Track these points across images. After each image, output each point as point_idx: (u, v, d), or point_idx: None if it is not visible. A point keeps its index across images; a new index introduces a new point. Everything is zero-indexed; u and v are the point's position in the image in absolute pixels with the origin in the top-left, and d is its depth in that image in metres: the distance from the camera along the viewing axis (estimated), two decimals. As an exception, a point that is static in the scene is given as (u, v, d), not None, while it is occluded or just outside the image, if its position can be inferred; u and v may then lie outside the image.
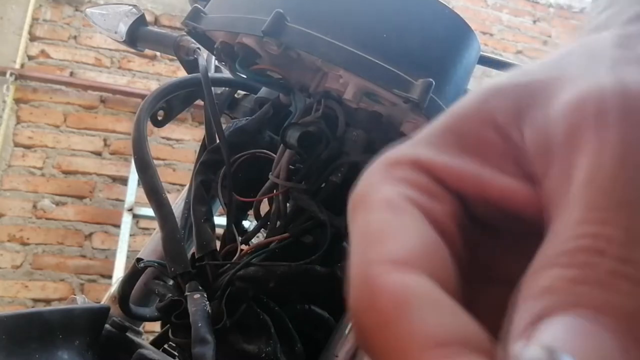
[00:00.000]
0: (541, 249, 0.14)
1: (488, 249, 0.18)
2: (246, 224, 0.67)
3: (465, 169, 0.17)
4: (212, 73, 0.71)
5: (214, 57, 0.71)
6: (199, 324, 0.49)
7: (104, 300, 0.68)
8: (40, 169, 2.61)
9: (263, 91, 0.68)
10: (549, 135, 0.15)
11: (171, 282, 0.56)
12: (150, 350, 0.57)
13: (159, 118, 0.67)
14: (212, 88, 0.64)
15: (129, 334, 0.59)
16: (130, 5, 0.76)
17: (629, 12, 0.20)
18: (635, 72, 0.15)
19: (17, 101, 2.64)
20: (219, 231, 0.60)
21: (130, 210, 2.56)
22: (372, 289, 0.14)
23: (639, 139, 0.14)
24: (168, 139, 2.76)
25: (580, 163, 0.14)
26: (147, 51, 0.85)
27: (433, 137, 0.18)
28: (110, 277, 2.49)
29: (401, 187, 0.16)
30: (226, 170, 0.60)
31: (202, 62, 0.67)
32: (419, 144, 0.18)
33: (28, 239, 2.52)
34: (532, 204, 0.16)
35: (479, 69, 0.61)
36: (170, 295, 0.54)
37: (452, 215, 0.17)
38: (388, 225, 0.15)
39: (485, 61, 0.67)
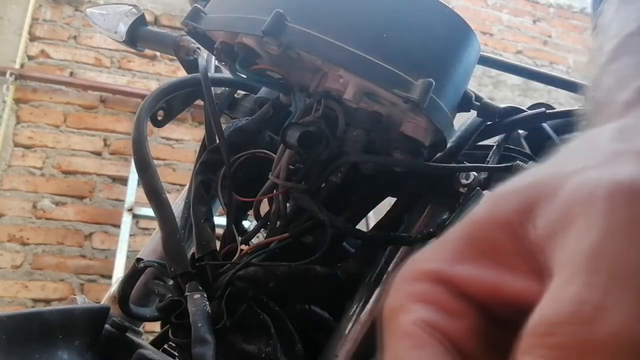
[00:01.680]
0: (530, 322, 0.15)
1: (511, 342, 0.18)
2: (246, 224, 0.67)
3: (481, 277, 0.18)
4: (212, 73, 0.71)
5: (214, 57, 0.71)
6: (199, 324, 0.49)
7: (104, 300, 0.68)
8: (40, 169, 2.61)
9: (263, 91, 0.68)
10: (553, 221, 0.17)
11: (171, 282, 0.56)
12: (150, 351, 0.57)
13: (159, 118, 0.67)
14: (212, 88, 0.64)
15: (129, 334, 0.59)
16: (130, 5, 0.76)
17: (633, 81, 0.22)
18: (625, 165, 0.17)
19: (17, 101, 2.64)
20: (219, 231, 0.60)
21: (130, 210, 2.56)
22: None
23: (622, 216, 0.15)
24: (168, 139, 2.76)
25: (572, 234, 0.16)
26: (147, 51, 0.85)
27: (449, 245, 0.19)
28: (110, 277, 2.49)
29: (421, 309, 0.18)
30: (226, 170, 0.60)
31: (202, 62, 0.67)
32: (438, 255, 0.19)
33: (28, 239, 2.52)
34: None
35: (479, 68, 0.61)
36: (170, 295, 0.54)
37: (470, 327, 0.18)
38: None
39: (485, 61, 0.67)
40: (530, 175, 0.19)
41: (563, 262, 0.15)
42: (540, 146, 0.62)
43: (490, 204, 0.19)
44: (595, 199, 0.16)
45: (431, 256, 0.19)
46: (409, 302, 0.18)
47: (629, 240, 0.15)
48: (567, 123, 0.62)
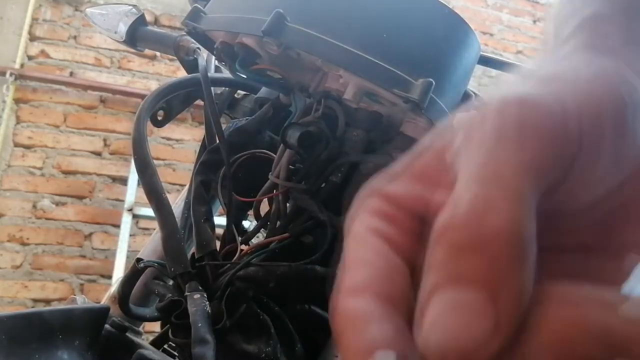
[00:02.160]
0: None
1: None
2: (246, 224, 0.67)
3: (414, 193, 0.21)
4: (212, 73, 0.71)
5: (214, 57, 0.71)
6: (199, 324, 0.49)
7: (104, 300, 0.68)
8: (40, 169, 2.61)
9: (263, 91, 0.68)
10: (461, 141, 0.20)
11: (171, 282, 0.56)
12: (150, 351, 0.56)
13: (159, 118, 0.67)
14: (212, 88, 0.64)
15: (129, 334, 0.59)
16: (130, 5, 0.76)
17: (573, 21, 0.25)
18: (523, 87, 0.20)
19: (17, 101, 2.64)
20: (219, 231, 0.60)
21: (130, 210, 2.56)
22: (334, 312, 0.19)
23: (510, 127, 0.18)
24: (168, 139, 2.76)
25: (468, 149, 0.19)
26: (147, 51, 0.85)
27: (397, 169, 0.23)
28: (110, 277, 2.49)
29: (370, 219, 0.21)
30: (226, 170, 0.60)
31: (201, 62, 0.67)
32: (387, 176, 0.23)
33: (28, 239, 2.52)
34: None
35: (479, 68, 0.61)
36: (170, 295, 0.54)
37: (410, 232, 0.21)
38: (354, 258, 0.20)
39: (485, 61, 0.67)
40: (473, 106, 0.22)
41: (461, 174, 0.18)
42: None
43: (433, 134, 0.23)
44: (489, 115, 0.19)
45: (382, 179, 0.23)
46: (360, 214, 0.22)
47: (510, 148, 0.18)
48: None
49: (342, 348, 0.18)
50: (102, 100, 2.75)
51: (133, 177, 2.58)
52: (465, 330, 0.16)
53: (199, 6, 0.58)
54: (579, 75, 0.21)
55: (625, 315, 0.15)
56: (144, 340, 0.60)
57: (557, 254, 0.21)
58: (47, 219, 2.56)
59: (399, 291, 0.19)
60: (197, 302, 0.51)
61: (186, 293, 0.52)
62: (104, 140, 2.72)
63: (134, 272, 0.57)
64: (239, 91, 0.74)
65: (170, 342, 0.59)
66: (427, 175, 0.22)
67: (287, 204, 0.60)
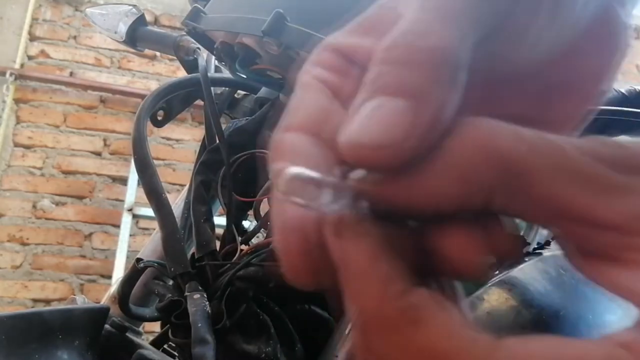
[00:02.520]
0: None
1: None
2: (246, 224, 0.67)
3: (365, 45, 0.21)
4: (211, 73, 0.71)
5: (213, 57, 0.71)
6: (199, 324, 0.49)
7: (104, 300, 0.68)
8: (40, 169, 2.61)
9: (263, 91, 0.68)
10: None
11: (171, 282, 0.56)
12: (150, 351, 0.56)
13: (159, 118, 0.67)
14: (212, 88, 0.64)
15: (129, 334, 0.59)
16: (130, 5, 0.76)
17: None
18: None
19: (17, 101, 2.64)
20: (219, 231, 0.60)
21: (130, 210, 2.56)
22: (272, 146, 0.20)
23: None
24: (168, 139, 2.76)
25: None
26: (147, 51, 0.85)
27: (350, 24, 0.23)
28: (110, 277, 2.49)
29: (317, 69, 0.22)
30: (226, 171, 0.60)
31: (201, 62, 0.66)
32: (340, 32, 0.23)
33: (28, 239, 2.52)
34: None
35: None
36: (170, 295, 0.54)
37: (356, 84, 0.21)
38: (297, 101, 0.21)
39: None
40: None
41: (408, 7, 0.19)
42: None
43: None
44: None
45: (334, 35, 0.23)
46: (309, 66, 0.22)
47: None
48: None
49: (273, 172, 0.19)
50: (102, 100, 2.75)
51: (133, 177, 2.58)
52: (381, 128, 0.16)
53: (199, 6, 0.58)
54: None
55: (534, 147, 0.16)
56: (144, 341, 0.60)
57: None
58: (47, 219, 2.56)
59: (335, 132, 0.20)
60: (197, 302, 0.51)
61: (186, 293, 0.52)
62: (104, 140, 2.72)
63: (134, 272, 0.57)
64: (239, 91, 0.74)
65: (170, 342, 0.59)
66: (377, 29, 0.22)
67: (287, 204, 0.59)
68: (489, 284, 0.41)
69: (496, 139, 0.16)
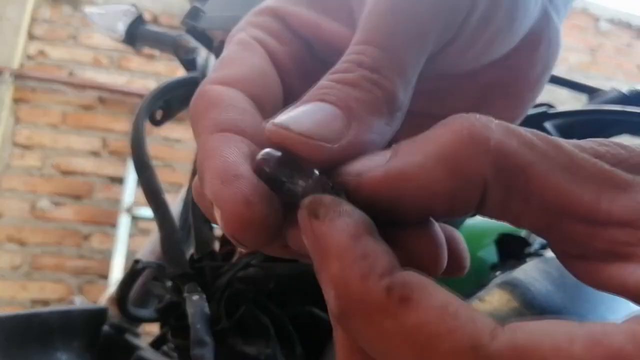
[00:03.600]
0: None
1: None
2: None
3: (308, 16, 0.22)
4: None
5: (212, 56, 0.71)
6: (198, 326, 0.49)
7: (102, 301, 0.67)
8: (39, 169, 2.60)
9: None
10: None
11: (170, 284, 0.56)
12: (148, 352, 0.56)
13: (158, 117, 0.67)
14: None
15: (127, 336, 0.58)
16: (129, 4, 0.76)
17: None
18: None
19: (16, 101, 2.64)
20: (219, 232, 0.60)
21: (128, 210, 2.56)
22: (198, 95, 0.19)
23: None
24: (167, 138, 2.75)
25: (369, 1, 0.20)
26: (146, 50, 0.85)
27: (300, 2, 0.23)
28: (108, 277, 2.49)
29: (256, 31, 0.22)
30: (225, 171, 0.59)
31: (200, 61, 0.66)
32: (286, 4, 0.23)
33: (26, 239, 2.51)
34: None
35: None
36: (168, 296, 0.54)
37: (291, 54, 0.22)
38: (232, 57, 0.21)
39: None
40: None
41: (364, 19, 0.20)
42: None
43: None
44: None
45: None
46: (246, 26, 0.22)
47: (407, 10, 0.19)
48: (569, 123, 0.62)
49: (195, 125, 0.19)
50: (101, 100, 2.75)
51: (132, 177, 2.57)
52: (313, 122, 0.17)
53: (198, 5, 0.58)
54: None
55: (527, 141, 0.16)
56: (143, 342, 0.60)
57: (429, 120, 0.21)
58: (45, 219, 2.56)
59: (268, 95, 0.20)
60: (196, 304, 0.51)
61: (185, 294, 0.52)
62: (103, 140, 2.72)
63: (133, 273, 0.57)
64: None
65: (168, 344, 0.59)
66: (321, 3, 0.22)
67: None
68: (491, 285, 0.41)
69: (485, 130, 0.15)
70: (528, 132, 0.16)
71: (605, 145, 0.16)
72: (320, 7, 0.22)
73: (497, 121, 0.16)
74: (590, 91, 0.68)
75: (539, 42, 0.22)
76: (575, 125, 0.63)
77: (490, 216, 0.16)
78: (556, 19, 0.23)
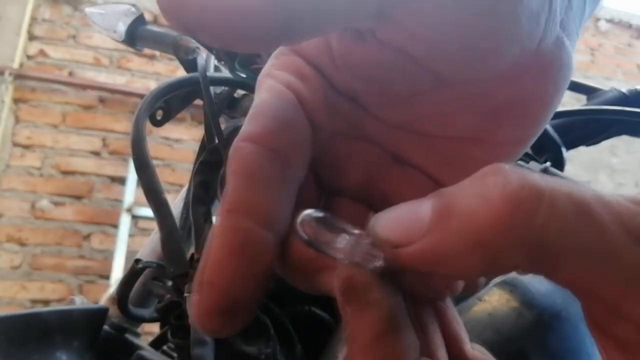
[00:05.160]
0: None
1: (357, 114, 0.24)
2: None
3: (320, 52, 0.22)
4: (211, 72, 0.70)
5: (213, 57, 0.71)
6: (198, 325, 0.49)
7: (103, 301, 0.67)
8: (39, 169, 2.60)
9: (262, 91, 0.68)
10: None
11: (170, 283, 0.56)
12: (148, 352, 0.56)
13: (158, 118, 0.67)
14: (212, 88, 0.64)
15: (128, 335, 0.58)
16: (129, 4, 0.76)
17: None
18: None
19: (16, 101, 2.64)
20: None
21: (129, 210, 2.56)
22: (232, 153, 0.21)
23: None
24: (167, 138, 2.75)
25: None
26: (146, 50, 0.85)
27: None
28: (108, 277, 2.49)
29: (281, 73, 0.23)
30: (225, 171, 0.59)
31: (201, 61, 0.66)
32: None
33: (27, 239, 2.51)
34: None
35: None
36: (169, 296, 0.54)
37: (316, 89, 0.23)
38: (262, 107, 0.21)
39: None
40: None
41: None
42: (541, 146, 0.62)
43: None
44: None
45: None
46: (271, 69, 0.23)
47: None
48: (568, 123, 0.62)
49: (229, 184, 0.20)
50: (101, 100, 2.75)
51: (132, 177, 2.57)
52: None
53: (198, 5, 0.58)
54: None
55: (569, 225, 0.16)
56: (143, 342, 0.60)
57: (440, 141, 0.23)
58: (45, 219, 2.56)
59: (296, 147, 0.21)
60: (196, 303, 0.51)
61: (185, 294, 0.52)
62: (103, 140, 2.72)
63: (133, 273, 0.57)
64: (238, 91, 0.73)
65: (169, 344, 0.59)
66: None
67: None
68: (490, 285, 0.41)
69: (530, 214, 0.14)
70: (574, 211, 0.14)
71: None
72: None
73: (545, 190, 0.15)
74: (590, 91, 0.68)
75: (550, 65, 0.22)
76: (575, 125, 0.63)
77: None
78: (569, 45, 0.23)
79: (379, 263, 0.17)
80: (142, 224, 2.64)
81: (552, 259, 0.15)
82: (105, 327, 0.57)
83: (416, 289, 0.19)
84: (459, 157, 0.24)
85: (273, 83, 0.22)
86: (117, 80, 2.78)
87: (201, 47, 0.64)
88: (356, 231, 0.17)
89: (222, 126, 0.63)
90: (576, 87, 0.66)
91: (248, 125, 0.21)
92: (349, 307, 0.17)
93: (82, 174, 2.65)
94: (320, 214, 0.18)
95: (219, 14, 0.16)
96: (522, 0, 0.19)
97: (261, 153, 0.20)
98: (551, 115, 0.24)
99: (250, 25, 0.16)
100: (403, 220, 0.16)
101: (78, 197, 2.62)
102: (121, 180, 2.67)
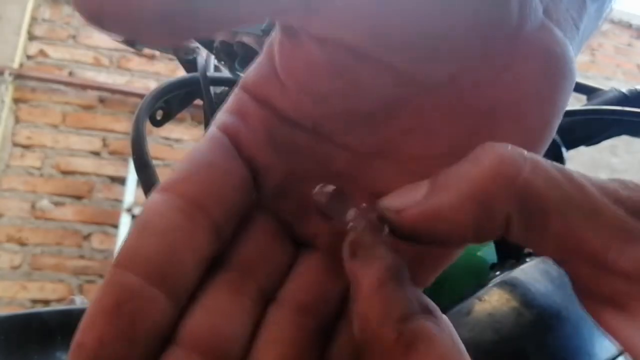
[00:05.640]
0: None
1: (322, 147, 0.22)
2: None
3: (262, 80, 0.21)
4: (211, 72, 0.70)
5: (213, 56, 0.71)
6: (198, 325, 0.49)
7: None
8: (39, 169, 2.60)
9: (262, 91, 0.68)
10: None
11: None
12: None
13: (158, 118, 0.67)
14: (212, 87, 0.64)
15: (128, 335, 0.58)
16: (129, 4, 0.76)
17: None
18: None
19: (16, 101, 2.64)
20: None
21: (129, 210, 2.56)
22: (146, 201, 0.19)
23: None
24: (167, 138, 2.75)
25: None
26: (146, 50, 0.85)
27: (259, 65, 0.22)
28: (109, 277, 2.48)
29: (226, 116, 0.21)
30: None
31: (200, 61, 0.66)
32: (251, 72, 0.22)
33: (27, 239, 2.51)
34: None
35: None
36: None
37: (260, 129, 0.21)
38: (185, 157, 0.20)
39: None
40: None
41: None
42: (541, 146, 0.62)
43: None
44: None
45: (251, 73, 0.22)
46: (218, 114, 0.22)
47: None
48: (568, 123, 0.62)
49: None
50: (101, 100, 2.75)
51: (132, 177, 2.57)
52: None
53: (198, 5, 0.58)
54: None
55: (553, 180, 0.17)
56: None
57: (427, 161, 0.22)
58: (46, 219, 2.55)
59: (215, 194, 0.19)
60: (196, 303, 0.51)
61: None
62: (103, 140, 2.71)
63: (133, 273, 0.57)
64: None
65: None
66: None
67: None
68: (490, 285, 0.41)
69: (514, 168, 0.16)
70: (556, 170, 0.16)
71: (628, 188, 0.16)
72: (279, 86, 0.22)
73: (527, 154, 0.17)
74: (590, 91, 0.68)
75: (537, 54, 0.20)
76: (575, 125, 0.63)
77: (513, 241, 0.17)
78: (559, 33, 0.20)
79: (384, 234, 0.19)
80: (142, 224, 2.63)
81: (541, 212, 0.16)
82: (106, 327, 0.57)
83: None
84: None
85: (211, 129, 0.21)
86: (117, 80, 2.78)
87: (201, 47, 0.64)
88: (364, 205, 0.19)
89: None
90: (576, 87, 0.66)
91: (172, 174, 0.19)
92: (356, 262, 0.18)
93: (82, 174, 2.65)
94: (332, 187, 0.20)
95: None
96: None
97: (167, 201, 0.18)
98: (557, 115, 0.21)
99: (150, 9, 0.15)
100: (404, 191, 0.18)
101: (78, 197, 2.62)
102: (121, 180, 2.67)
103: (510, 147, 0.17)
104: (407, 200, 0.18)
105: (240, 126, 0.21)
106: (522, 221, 0.16)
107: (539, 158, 0.17)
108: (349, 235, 0.19)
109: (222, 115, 0.22)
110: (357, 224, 0.19)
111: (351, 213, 0.19)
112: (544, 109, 0.20)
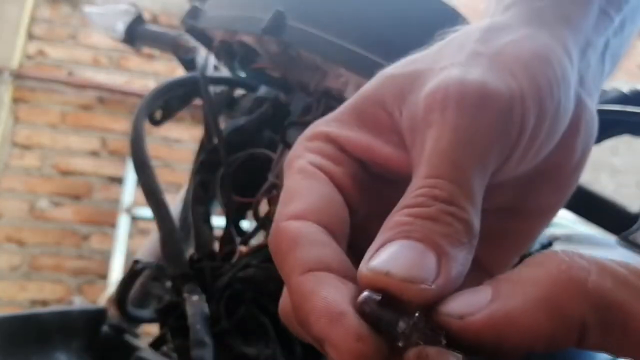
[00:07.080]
0: (402, 197, 0.20)
1: (389, 194, 0.23)
2: (246, 224, 0.67)
3: (360, 140, 0.23)
4: (210, 72, 0.70)
5: (212, 56, 0.71)
6: (197, 326, 0.48)
7: (102, 301, 0.67)
8: (38, 169, 2.60)
9: (262, 90, 0.68)
10: (414, 115, 0.22)
11: (169, 284, 0.56)
12: (148, 353, 0.56)
13: (157, 117, 0.67)
14: (211, 87, 0.63)
15: (127, 336, 0.58)
16: (128, 3, 0.76)
17: None
18: (477, 67, 0.22)
19: (15, 101, 2.64)
20: (219, 232, 0.60)
21: (128, 210, 2.56)
22: (277, 234, 0.20)
23: (467, 120, 0.20)
24: (166, 138, 2.75)
25: (429, 136, 0.21)
26: (145, 50, 0.85)
27: (340, 115, 0.24)
28: (107, 278, 2.48)
29: (313, 156, 0.23)
30: (224, 171, 0.59)
31: (200, 60, 0.66)
32: (330, 121, 0.24)
33: (26, 239, 2.51)
34: (405, 166, 0.22)
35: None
36: (168, 297, 0.54)
37: (350, 174, 0.23)
38: (297, 188, 0.21)
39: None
40: (411, 63, 0.24)
41: (422, 159, 0.21)
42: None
43: (376, 83, 0.24)
44: (447, 103, 0.21)
45: (324, 122, 0.24)
46: (303, 152, 0.23)
47: (468, 144, 0.20)
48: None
49: (281, 266, 0.19)
50: (100, 100, 2.75)
51: (131, 177, 2.57)
52: (408, 265, 0.18)
53: (198, 5, 0.57)
54: (521, 53, 0.22)
55: (619, 278, 0.17)
56: (142, 342, 0.60)
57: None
58: (45, 219, 2.55)
59: (339, 222, 0.21)
60: (195, 304, 0.50)
61: (184, 295, 0.52)
62: (102, 140, 2.71)
63: (132, 274, 0.57)
64: (237, 90, 0.73)
65: (168, 344, 0.59)
66: (370, 123, 0.23)
67: (287, 205, 0.59)
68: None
69: (582, 272, 0.16)
70: (621, 268, 0.16)
71: None
72: (370, 129, 0.23)
73: (590, 258, 0.16)
74: (591, 91, 0.67)
75: (576, 131, 0.23)
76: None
77: (591, 350, 0.17)
78: (590, 103, 0.23)
79: (441, 343, 0.17)
80: (141, 224, 2.63)
81: (617, 307, 0.16)
82: (104, 327, 0.57)
83: None
84: (495, 231, 0.24)
85: (304, 164, 0.22)
86: (116, 79, 2.78)
87: (200, 47, 0.64)
88: (416, 314, 0.18)
89: (222, 126, 0.63)
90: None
91: (286, 206, 0.21)
92: None
93: (81, 174, 2.65)
94: (379, 296, 0.18)
95: None
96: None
97: (310, 226, 0.20)
98: (582, 173, 0.25)
99: None
100: (464, 296, 0.17)
101: (77, 197, 2.62)
102: (120, 181, 2.66)
103: (572, 252, 0.17)
104: (471, 305, 0.17)
105: (333, 168, 0.22)
106: (599, 325, 0.16)
107: (602, 259, 0.16)
108: (410, 351, 0.17)
109: (311, 156, 0.23)
110: (411, 333, 0.17)
111: (402, 325, 0.17)
112: (577, 171, 0.24)
